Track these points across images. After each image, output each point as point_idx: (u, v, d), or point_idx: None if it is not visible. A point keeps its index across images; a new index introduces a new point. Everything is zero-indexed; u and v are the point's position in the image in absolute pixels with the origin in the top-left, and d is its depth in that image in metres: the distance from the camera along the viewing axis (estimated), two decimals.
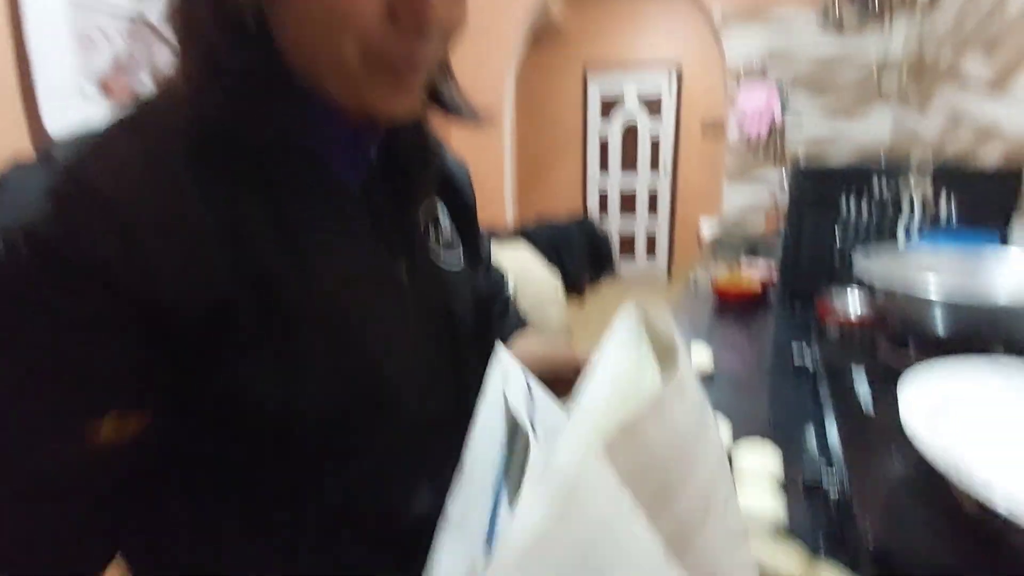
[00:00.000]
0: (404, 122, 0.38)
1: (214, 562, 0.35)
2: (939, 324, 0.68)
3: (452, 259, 0.45)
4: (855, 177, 1.09)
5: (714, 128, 4.50)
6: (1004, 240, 0.99)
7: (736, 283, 1.34)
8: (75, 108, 1.07)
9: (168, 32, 0.33)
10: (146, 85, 0.37)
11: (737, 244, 2.27)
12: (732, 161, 2.37)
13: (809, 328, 0.95)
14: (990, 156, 1.25)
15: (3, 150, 0.97)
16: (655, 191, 4.62)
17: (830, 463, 0.57)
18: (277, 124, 0.34)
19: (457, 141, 2.51)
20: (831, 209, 1.10)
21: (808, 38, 2.15)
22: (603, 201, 4.67)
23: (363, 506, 0.37)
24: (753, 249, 2.00)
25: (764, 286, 1.32)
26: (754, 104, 2.22)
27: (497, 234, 1.05)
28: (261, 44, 0.32)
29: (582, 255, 1.07)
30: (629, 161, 4.54)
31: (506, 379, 0.37)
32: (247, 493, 0.34)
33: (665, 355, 0.32)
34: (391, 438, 0.36)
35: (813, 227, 1.13)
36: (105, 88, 1.16)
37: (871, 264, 0.81)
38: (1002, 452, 0.46)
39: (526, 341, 0.55)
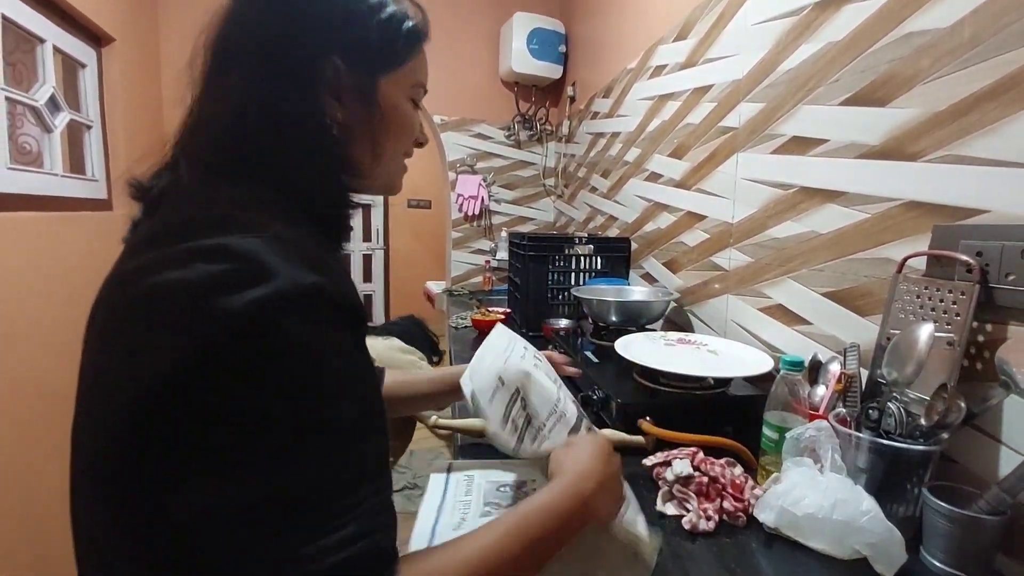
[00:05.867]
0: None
1: None
2: (613, 314, 1.33)
3: None
4: (555, 241, 1.76)
5: (420, 205, 5.37)
6: (627, 279, 1.78)
7: (487, 318, 1.88)
8: None
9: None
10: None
11: (465, 298, 2.88)
12: (455, 233, 3.03)
13: (541, 339, 1.54)
14: (613, 232, 2.13)
15: None
16: (370, 258, 5.13)
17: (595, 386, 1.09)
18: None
19: None
20: (544, 263, 1.74)
21: (500, 147, 3.01)
22: None
23: None
24: (479, 300, 2.62)
25: (506, 317, 1.90)
26: (468, 190, 2.94)
27: (375, 329, 1.60)
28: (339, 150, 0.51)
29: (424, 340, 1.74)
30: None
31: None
32: None
33: None
34: None
35: (535, 275, 1.75)
36: None
37: (581, 292, 1.44)
38: (650, 358, 1.05)
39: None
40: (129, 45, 2.10)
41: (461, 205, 2.97)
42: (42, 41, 1.61)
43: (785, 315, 1.06)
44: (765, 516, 0.68)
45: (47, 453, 1.45)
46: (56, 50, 1.68)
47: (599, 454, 0.57)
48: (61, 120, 1.70)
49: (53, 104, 1.67)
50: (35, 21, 1.57)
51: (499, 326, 0.75)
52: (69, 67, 1.80)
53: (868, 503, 0.62)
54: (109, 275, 0.44)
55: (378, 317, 5.15)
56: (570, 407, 0.67)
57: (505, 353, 0.66)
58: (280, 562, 0.34)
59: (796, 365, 0.79)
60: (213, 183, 0.47)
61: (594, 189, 2.37)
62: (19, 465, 1.37)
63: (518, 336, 0.73)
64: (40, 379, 1.44)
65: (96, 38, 1.93)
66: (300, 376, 0.37)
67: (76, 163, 1.83)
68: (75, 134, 1.84)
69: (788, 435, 0.74)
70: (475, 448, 0.90)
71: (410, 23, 0.54)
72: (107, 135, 1.98)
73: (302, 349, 0.37)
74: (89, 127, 1.89)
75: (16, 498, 1.36)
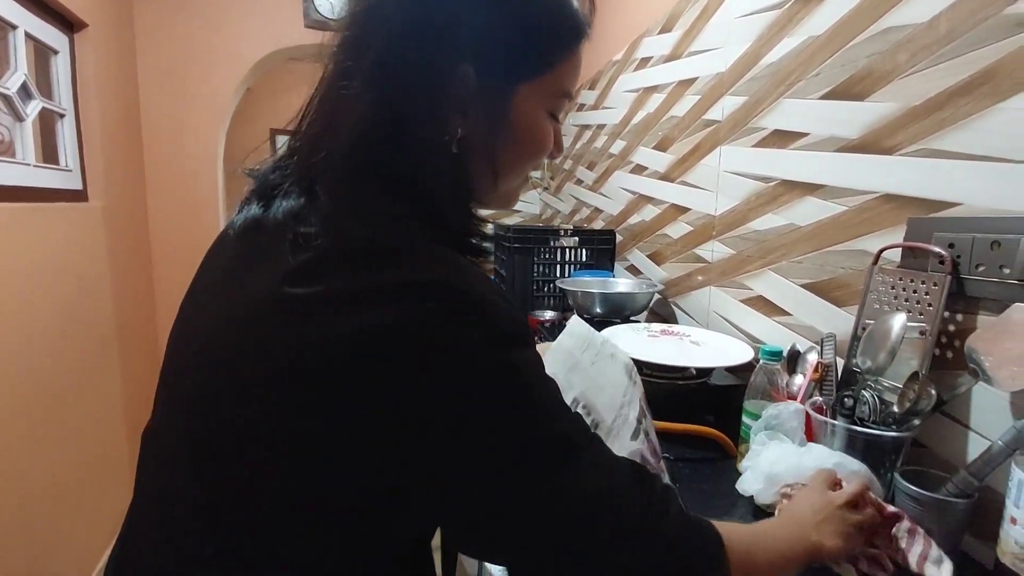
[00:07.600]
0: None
1: None
2: (598, 306, 1.34)
3: None
4: (540, 234, 1.76)
5: None
6: (612, 271, 1.79)
7: None
8: None
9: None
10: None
11: None
12: None
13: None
14: (599, 224, 2.14)
15: None
16: None
17: None
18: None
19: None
20: (530, 255, 1.75)
21: None
22: None
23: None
24: None
25: None
26: None
27: None
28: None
29: None
30: None
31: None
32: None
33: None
34: None
35: (520, 268, 1.76)
36: None
37: (565, 284, 1.45)
38: (635, 349, 1.06)
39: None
40: (103, 31, 2.04)
41: None
42: (14, 28, 1.56)
43: (766, 306, 1.08)
44: (747, 486, 0.70)
45: (27, 445, 1.43)
46: (28, 36, 1.63)
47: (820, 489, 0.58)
48: (33, 108, 1.66)
49: (25, 92, 1.62)
50: (6, 6, 1.52)
51: (574, 320, 0.73)
52: (41, 54, 1.75)
53: (838, 455, 0.66)
54: (266, 290, 0.38)
55: None
56: (633, 411, 0.65)
57: (569, 360, 0.67)
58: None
59: (775, 355, 0.80)
60: (351, 193, 0.42)
61: (580, 181, 2.38)
62: None
63: (592, 332, 0.70)
64: (13, 370, 1.41)
65: (68, 24, 1.87)
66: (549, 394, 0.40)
67: (49, 153, 1.79)
68: (47, 123, 1.79)
69: (764, 412, 0.76)
70: None
71: (570, 17, 0.46)
72: (81, 124, 1.93)
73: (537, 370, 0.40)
74: (62, 115, 1.84)
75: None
